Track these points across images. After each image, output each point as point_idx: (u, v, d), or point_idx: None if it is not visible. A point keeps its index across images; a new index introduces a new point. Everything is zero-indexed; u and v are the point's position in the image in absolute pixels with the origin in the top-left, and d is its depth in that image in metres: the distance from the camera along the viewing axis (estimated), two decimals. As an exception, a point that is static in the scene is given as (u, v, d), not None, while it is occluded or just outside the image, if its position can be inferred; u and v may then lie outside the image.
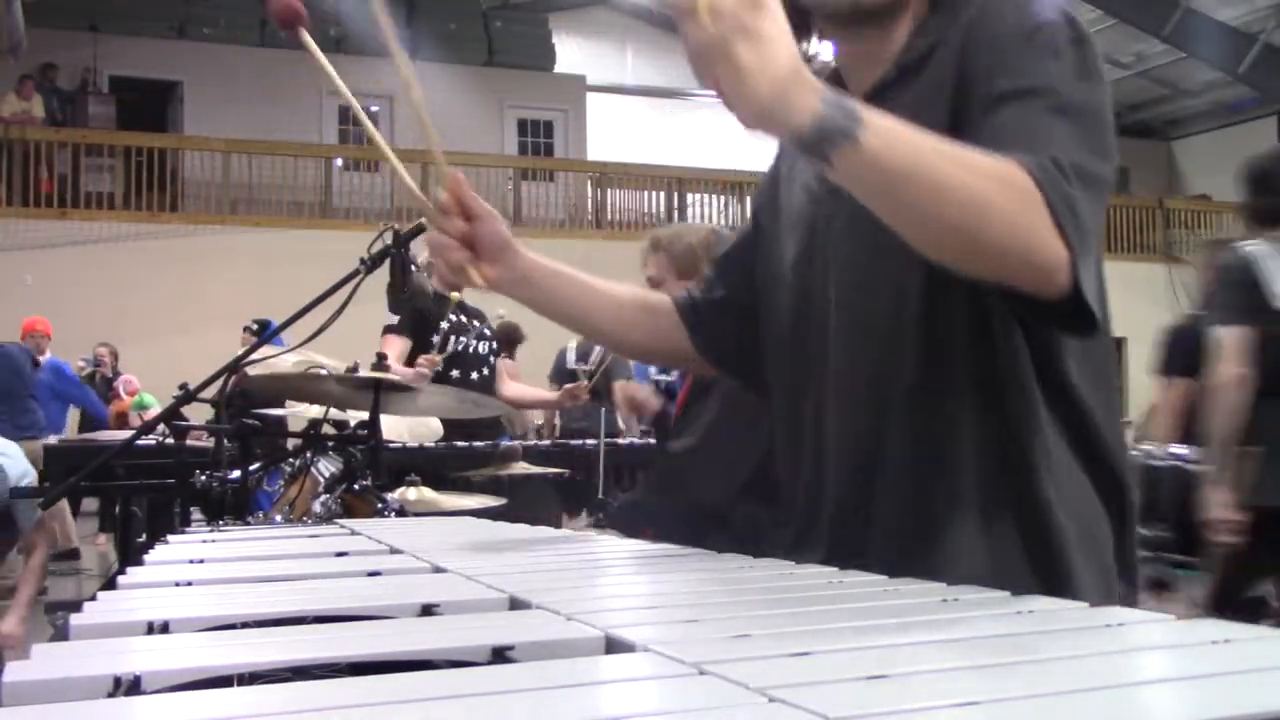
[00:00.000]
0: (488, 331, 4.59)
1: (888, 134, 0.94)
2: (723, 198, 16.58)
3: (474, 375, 4.43)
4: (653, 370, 4.64)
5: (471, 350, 4.47)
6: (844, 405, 1.26)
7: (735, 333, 1.49)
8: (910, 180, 0.95)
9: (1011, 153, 0.99)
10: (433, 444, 4.11)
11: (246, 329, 7.88)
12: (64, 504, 5.60)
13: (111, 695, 0.70)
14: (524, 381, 5.82)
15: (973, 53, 1.13)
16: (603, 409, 5.04)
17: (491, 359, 4.59)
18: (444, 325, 4.44)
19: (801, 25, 1.21)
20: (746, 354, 1.47)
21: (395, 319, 4.49)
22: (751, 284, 1.46)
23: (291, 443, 3.21)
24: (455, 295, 4.31)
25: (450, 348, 4.39)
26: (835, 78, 1.31)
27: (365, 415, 2.89)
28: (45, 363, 8.52)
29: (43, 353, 8.61)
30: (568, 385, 4.59)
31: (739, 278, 1.49)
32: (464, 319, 4.49)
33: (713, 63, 0.90)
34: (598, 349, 8.58)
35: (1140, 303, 19.64)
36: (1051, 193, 0.97)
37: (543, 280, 1.41)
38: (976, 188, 0.95)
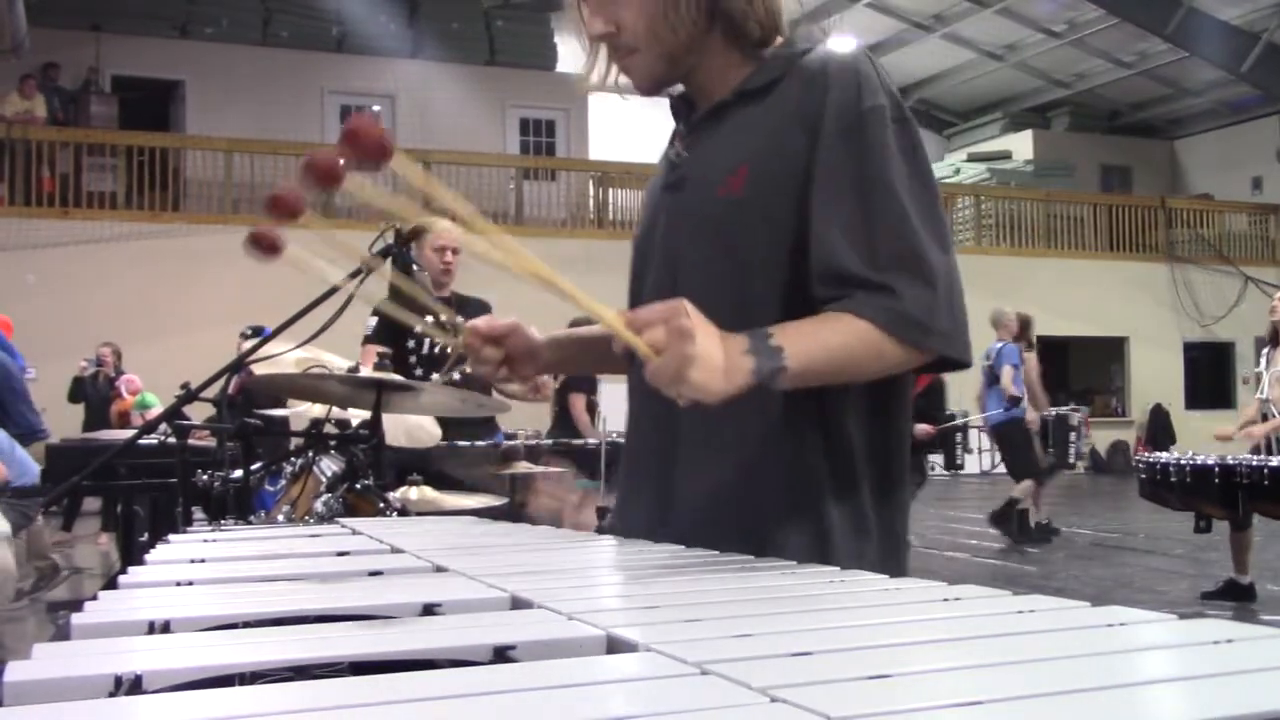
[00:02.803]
0: None
1: (800, 351, 1.27)
2: (724, 197, 16.56)
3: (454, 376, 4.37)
4: None
5: (450, 351, 4.40)
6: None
7: None
8: (825, 369, 1.31)
9: (861, 268, 1.32)
10: (433, 445, 4.10)
11: (242, 335, 7.85)
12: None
13: (113, 695, 0.70)
14: None
15: (817, 113, 1.37)
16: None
17: None
18: (418, 328, 4.39)
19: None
20: None
21: (371, 324, 4.45)
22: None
23: (294, 442, 3.21)
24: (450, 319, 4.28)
25: (426, 350, 4.36)
26: (684, 98, 1.56)
27: (367, 414, 2.89)
28: None
29: None
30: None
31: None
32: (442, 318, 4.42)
33: (675, 384, 1.18)
34: None
35: (1142, 302, 19.65)
36: (889, 326, 1.30)
37: (551, 355, 1.65)
38: (858, 352, 1.30)
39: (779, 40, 1.47)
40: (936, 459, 10.39)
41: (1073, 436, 9.03)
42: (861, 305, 1.30)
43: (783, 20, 1.47)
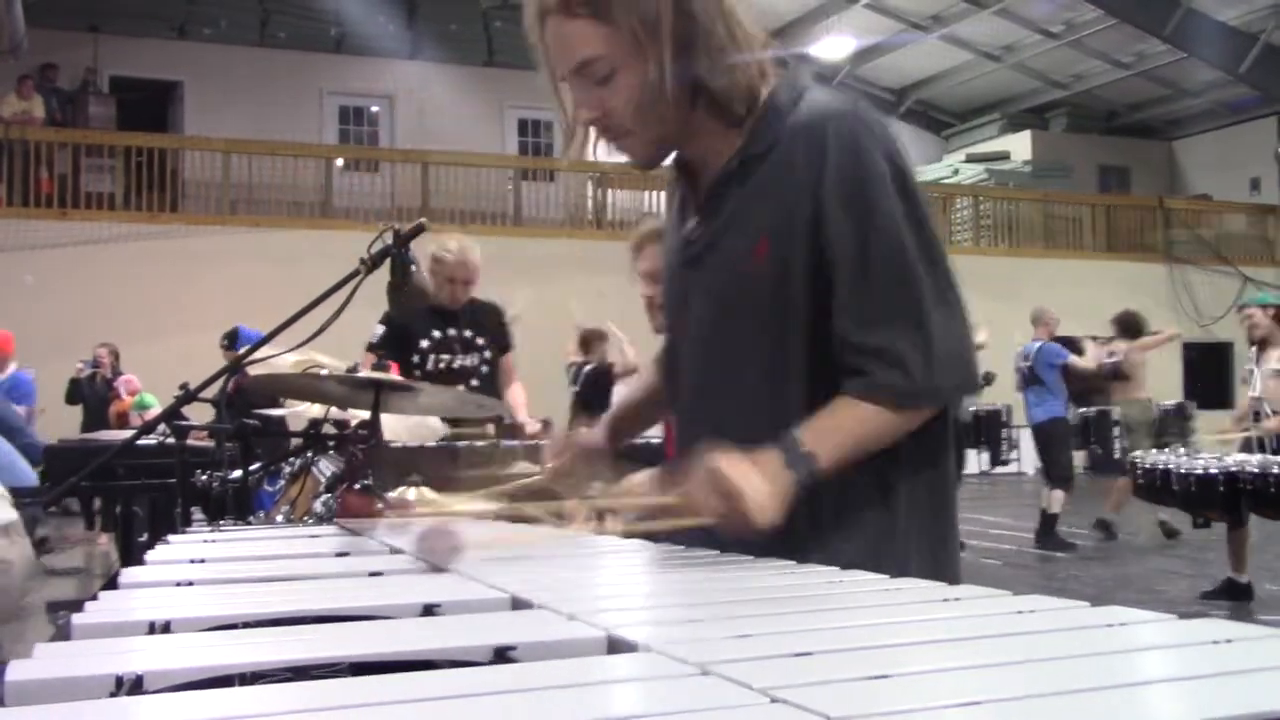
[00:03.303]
0: (480, 340, 4.49)
1: (829, 448, 1.39)
2: (723, 197, 16.55)
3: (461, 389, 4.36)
4: None
5: (457, 366, 4.38)
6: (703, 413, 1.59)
7: None
8: (854, 453, 1.41)
9: (872, 330, 1.42)
10: (434, 444, 4.09)
11: (222, 345, 7.78)
12: None
13: (113, 695, 0.70)
14: (520, 381, 5.31)
15: (818, 179, 1.43)
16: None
17: (484, 369, 4.52)
18: (424, 344, 4.39)
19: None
20: None
21: (377, 333, 4.43)
22: None
23: (292, 442, 3.21)
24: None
25: (431, 366, 4.35)
26: (680, 163, 1.60)
27: (366, 415, 2.88)
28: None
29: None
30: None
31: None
32: (450, 333, 4.42)
33: (746, 532, 1.32)
34: (587, 369, 8.59)
35: (1141, 302, 19.63)
36: (897, 402, 1.41)
37: (615, 439, 1.84)
38: (878, 429, 1.42)
39: (763, 92, 1.51)
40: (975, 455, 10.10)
41: (1116, 432, 8.77)
42: (873, 388, 1.41)
43: (761, 85, 1.50)
